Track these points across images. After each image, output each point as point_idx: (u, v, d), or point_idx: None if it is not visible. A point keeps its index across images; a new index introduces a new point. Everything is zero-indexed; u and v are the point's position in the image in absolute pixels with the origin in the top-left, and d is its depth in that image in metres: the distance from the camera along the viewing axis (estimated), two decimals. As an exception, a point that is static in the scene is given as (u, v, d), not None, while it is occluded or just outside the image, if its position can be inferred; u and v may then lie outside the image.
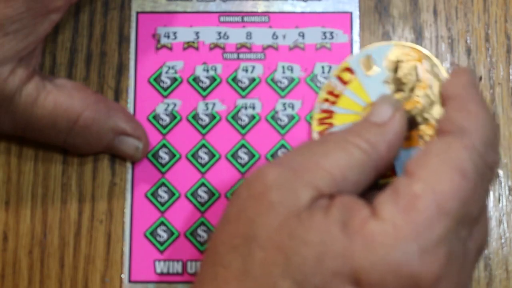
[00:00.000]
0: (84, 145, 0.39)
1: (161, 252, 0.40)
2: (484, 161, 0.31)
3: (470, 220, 0.31)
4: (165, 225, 0.40)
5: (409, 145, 0.36)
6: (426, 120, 0.37)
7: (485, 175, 0.31)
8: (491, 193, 0.41)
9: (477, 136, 0.32)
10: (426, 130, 0.37)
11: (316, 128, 0.39)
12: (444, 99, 0.35)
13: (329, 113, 0.39)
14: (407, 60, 0.38)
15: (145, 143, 0.40)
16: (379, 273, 0.29)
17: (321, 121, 0.39)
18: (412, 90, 0.37)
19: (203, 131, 0.41)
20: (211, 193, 0.40)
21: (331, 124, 0.39)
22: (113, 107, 0.39)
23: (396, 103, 0.35)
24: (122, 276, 0.40)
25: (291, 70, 0.41)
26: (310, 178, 0.31)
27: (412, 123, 0.37)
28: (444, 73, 0.37)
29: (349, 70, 0.39)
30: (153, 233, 0.40)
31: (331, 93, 0.39)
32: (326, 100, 0.39)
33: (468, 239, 0.31)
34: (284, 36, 0.42)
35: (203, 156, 0.41)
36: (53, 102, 0.37)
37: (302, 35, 0.42)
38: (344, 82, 0.39)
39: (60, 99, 0.37)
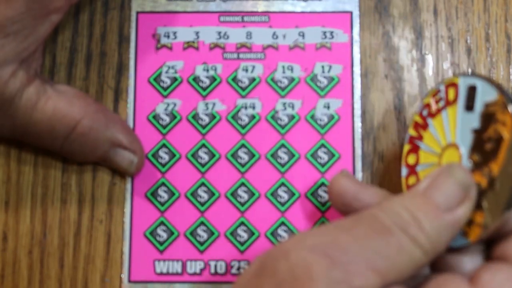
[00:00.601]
0: (79, 153, 0.39)
1: (161, 252, 0.40)
2: None
3: None
4: (165, 225, 0.40)
5: None
6: (479, 207, 0.31)
7: None
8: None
9: None
10: (476, 217, 0.31)
11: (405, 156, 0.36)
12: None
13: (415, 148, 0.36)
14: (498, 124, 0.31)
15: (140, 158, 0.39)
16: None
17: (410, 150, 0.36)
18: (483, 162, 0.31)
19: (203, 131, 0.41)
20: (211, 193, 0.40)
21: (416, 161, 0.35)
22: (112, 119, 0.39)
23: (467, 182, 0.29)
24: (122, 276, 0.40)
25: (291, 69, 0.41)
26: (358, 284, 0.27)
27: None
28: None
29: (454, 86, 0.34)
30: (153, 233, 0.40)
31: (424, 117, 0.35)
32: (417, 125, 0.36)
33: None
34: (284, 36, 0.42)
35: (203, 156, 0.41)
36: (52, 107, 0.37)
37: (302, 34, 0.42)
38: (448, 103, 0.35)
39: (60, 105, 0.37)
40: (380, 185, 0.41)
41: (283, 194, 0.40)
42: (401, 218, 0.28)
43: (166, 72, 0.42)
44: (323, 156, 0.41)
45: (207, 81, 0.41)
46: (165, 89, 0.41)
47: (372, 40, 0.42)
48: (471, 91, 0.33)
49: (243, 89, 0.41)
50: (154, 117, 0.41)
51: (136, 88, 0.41)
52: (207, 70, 0.42)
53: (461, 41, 0.42)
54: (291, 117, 0.41)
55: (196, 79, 0.41)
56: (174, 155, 0.41)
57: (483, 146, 0.31)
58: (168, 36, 0.42)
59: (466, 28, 0.42)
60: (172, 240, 0.40)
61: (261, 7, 0.42)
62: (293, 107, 0.41)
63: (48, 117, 0.37)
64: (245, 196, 0.40)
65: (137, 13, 0.42)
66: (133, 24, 0.42)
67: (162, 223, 0.40)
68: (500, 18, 0.42)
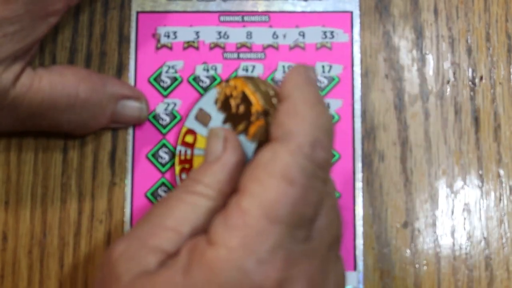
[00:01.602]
0: (89, 120, 0.38)
1: (161, 252, 0.40)
2: (312, 162, 0.31)
3: (306, 221, 0.31)
4: (165, 225, 0.40)
5: None
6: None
7: (315, 175, 0.31)
8: (492, 193, 0.41)
9: (303, 138, 0.31)
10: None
11: None
12: (278, 103, 0.34)
13: None
14: (233, 93, 0.37)
15: (146, 102, 0.40)
16: None
17: None
18: (249, 116, 0.36)
19: (203, 131, 0.41)
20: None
21: None
22: (105, 76, 0.39)
23: (224, 133, 0.34)
24: (122, 276, 0.40)
25: (292, 69, 0.41)
26: (155, 243, 0.31)
27: (262, 142, 0.35)
28: (272, 84, 0.36)
29: (190, 132, 0.39)
30: (153, 233, 0.40)
31: (183, 161, 0.39)
32: (183, 169, 0.39)
33: (308, 236, 0.31)
34: (284, 36, 0.42)
35: (203, 155, 0.41)
36: (48, 83, 0.37)
37: (302, 34, 0.42)
38: (190, 146, 0.39)
39: (54, 79, 0.37)
40: (381, 185, 0.41)
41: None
42: (185, 185, 0.33)
43: (166, 72, 0.42)
44: (323, 156, 0.41)
45: (207, 81, 0.41)
46: (165, 89, 0.41)
47: (372, 39, 0.42)
48: (200, 115, 0.39)
49: (243, 89, 0.41)
50: (154, 117, 0.41)
51: (136, 88, 0.41)
52: (207, 70, 0.42)
53: (461, 40, 0.42)
54: (291, 117, 0.41)
55: (196, 79, 0.41)
56: (174, 155, 0.41)
57: (239, 115, 0.36)
58: (168, 36, 0.42)
59: (467, 28, 0.42)
60: (172, 240, 0.40)
61: (261, 6, 0.42)
62: (293, 107, 0.41)
63: (48, 94, 0.36)
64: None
65: (137, 13, 0.42)
66: (133, 24, 0.42)
67: (162, 223, 0.40)
68: (501, 18, 0.42)
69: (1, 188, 0.41)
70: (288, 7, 0.42)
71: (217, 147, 0.34)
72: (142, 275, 0.30)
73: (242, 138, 0.35)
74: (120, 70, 0.42)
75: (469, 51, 0.42)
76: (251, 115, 0.36)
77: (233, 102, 0.37)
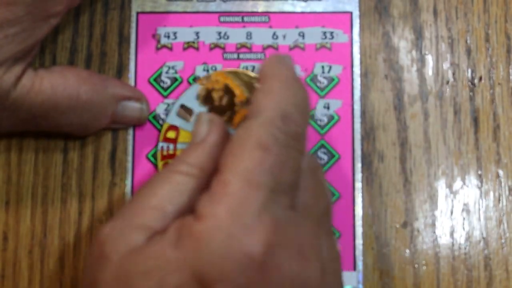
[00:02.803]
0: (90, 121, 0.39)
1: (161, 252, 0.40)
2: (284, 132, 0.32)
3: (288, 187, 0.32)
4: (165, 225, 0.40)
5: None
6: None
7: (289, 144, 0.32)
8: (491, 193, 0.41)
9: (273, 111, 0.32)
10: None
11: None
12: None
13: None
14: (216, 86, 0.39)
15: (146, 103, 0.40)
16: (218, 266, 0.29)
17: None
18: (232, 106, 0.38)
19: (203, 131, 0.41)
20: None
21: None
22: (105, 77, 0.39)
23: (209, 117, 0.35)
24: (122, 276, 0.40)
25: (291, 70, 0.41)
26: (140, 221, 0.32)
27: None
28: (255, 75, 0.38)
29: (172, 128, 0.40)
30: (153, 233, 0.40)
31: (166, 157, 0.40)
32: (166, 164, 0.40)
33: (292, 203, 0.32)
34: (284, 36, 0.42)
35: (203, 156, 0.41)
36: (49, 85, 0.37)
37: (302, 35, 0.42)
38: (173, 141, 0.40)
39: (56, 81, 0.37)
40: (380, 185, 0.41)
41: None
42: (170, 165, 0.34)
43: (166, 72, 0.42)
44: (323, 156, 0.41)
45: (207, 81, 0.41)
46: (165, 89, 0.41)
47: (372, 40, 0.42)
48: (181, 111, 0.40)
49: (243, 89, 0.41)
50: (154, 117, 0.41)
51: (137, 88, 0.41)
52: (207, 71, 0.42)
53: (461, 41, 0.42)
54: (291, 117, 0.41)
55: (196, 79, 0.41)
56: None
57: (222, 106, 0.38)
58: (168, 37, 0.42)
59: (466, 29, 0.42)
60: (172, 240, 0.40)
61: (261, 7, 0.42)
62: (293, 108, 0.41)
63: (49, 95, 0.37)
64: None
65: (137, 13, 0.42)
66: (133, 25, 0.42)
67: (162, 223, 0.40)
68: (500, 19, 0.42)
69: (1, 188, 0.41)
70: (288, 8, 0.42)
71: (203, 129, 0.35)
72: (131, 252, 0.31)
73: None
74: (120, 71, 0.42)
75: (468, 51, 0.42)
76: (234, 106, 0.37)
77: (215, 95, 0.38)
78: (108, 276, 0.31)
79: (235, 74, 0.38)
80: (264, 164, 0.31)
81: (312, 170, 0.34)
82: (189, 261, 0.29)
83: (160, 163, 0.40)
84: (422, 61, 0.42)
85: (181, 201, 0.33)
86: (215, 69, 0.42)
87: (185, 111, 0.40)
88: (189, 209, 0.32)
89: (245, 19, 0.42)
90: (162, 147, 0.40)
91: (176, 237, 0.30)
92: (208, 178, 0.33)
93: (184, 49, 0.42)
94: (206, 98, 0.39)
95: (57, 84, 0.37)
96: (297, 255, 0.31)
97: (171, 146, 0.40)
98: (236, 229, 0.29)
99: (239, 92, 0.37)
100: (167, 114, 0.40)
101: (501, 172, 0.41)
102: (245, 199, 0.30)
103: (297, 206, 0.32)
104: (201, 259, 0.29)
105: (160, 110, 0.41)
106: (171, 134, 0.40)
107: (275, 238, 0.30)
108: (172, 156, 0.40)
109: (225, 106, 0.38)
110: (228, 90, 0.38)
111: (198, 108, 0.39)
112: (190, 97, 0.40)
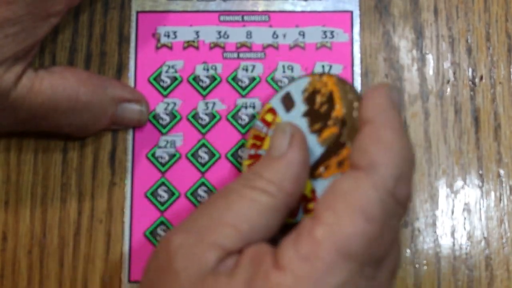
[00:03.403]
0: (89, 123, 0.39)
1: (161, 252, 0.40)
2: (394, 198, 0.30)
3: (376, 259, 0.30)
4: (165, 225, 0.40)
5: (329, 174, 0.35)
6: (343, 145, 0.35)
7: (394, 212, 0.30)
8: (492, 192, 0.41)
9: (388, 170, 0.30)
10: (344, 155, 0.35)
11: None
12: (360, 124, 0.33)
13: (257, 158, 0.38)
14: (322, 89, 0.36)
15: (146, 105, 0.40)
16: None
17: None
18: (327, 118, 0.35)
19: (203, 131, 0.41)
20: (211, 193, 0.40)
21: None
22: (106, 79, 0.39)
23: (291, 130, 0.34)
24: (122, 276, 0.40)
25: (292, 69, 0.41)
26: (214, 239, 0.30)
27: (330, 151, 0.35)
28: (359, 95, 0.35)
29: (271, 111, 0.38)
30: (153, 233, 0.40)
31: (257, 137, 0.38)
32: (253, 145, 0.38)
33: (376, 273, 0.30)
34: (284, 35, 0.42)
35: (203, 155, 0.41)
36: (49, 86, 0.37)
37: (302, 34, 0.42)
38: (268, 124, 0.38)
39: (56, 82, 0.37)
40: (381, 185, 0.41)
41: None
42: (246, 179, 0.32)
43: (166, 71, 0.42)
44: (323, 155, 0.41)
45: (207, 81, 0.41)
46: (165, 88, 0.41)
47: (372, 39, 0.42)
48: (285, 98, 0.37)
49: (243, 88, 0.41)
50: (154, 116, 0.41)
51: (136, 87, 0.41)
52: (207, 70, 0.42)
53: (461, 40, 0.42)
54: (291, 117, 0.41)
55: (196, 79, 0.41)
56: (174, 155, 0.41)
57: (319, 113, 0.36)
58: (168, 36, 0.42)
59: (467, 28, 0.42)
60: (172, 240, 0.40)
61: (261, 6, 0.42)
62: (293, 107, 0.41)
63: (48, 96, 0.37)
64: (245, 196, 0.40)
65: (137, 12, 0.42)
66: (133, 24, 0.42)
67: (162, 223, 0.40)
68: (501, 18, 0.42)
69: (1, 188, 0.41)
70: (288, 7, 0.42)
71: (283, 142, 0.33)
72: (202, 275, 0.29)
73: (313, 138, 0.35)
74: (120, 70, 0.42)
75: (469, 51, 0.42)
76: (329, 118, 0.35)
77: (318, 99, 0.36)
78: None
79: (343, 85, 0.36)
80: (363, 236, 0.29)
81: (396, 237, 0.32)
82: None
83: (250, 141, 0.38)
84: (422, 60, 0.42)
85: (256, 221, 0.31)
86: (215, 68, 0.41)
87: (289, 99, 0.37)
88: (264, 232, 0.31)
89: (245, 18, 0.42)
90: (258, 125, 0.38)
91: (250, 275, 0.29)
92: (285, 198, 0.31)
93: (184, 48, 0.42)
94: (310, 97, 0.36)
95: (56, 85, 0.37)
96: None
97: (265, 129, 0.38)
98: None
99: (339, 106, 0.35)
100: (273, 96, 0.39)
101: (502, 172, 0.41)
102: (332, 267, 0.28)
103: (378, 276, 0.31)
104: None
105: (160, 109, 0.41)
106: (269, 117, 0.38)
107: None
108: (262, 139, 0.37)
109: (321, 115, 0.35)
110: (330, 98, 0.35)
111: (299, 103, 0.37)
112: (298, 87, 0.37)
